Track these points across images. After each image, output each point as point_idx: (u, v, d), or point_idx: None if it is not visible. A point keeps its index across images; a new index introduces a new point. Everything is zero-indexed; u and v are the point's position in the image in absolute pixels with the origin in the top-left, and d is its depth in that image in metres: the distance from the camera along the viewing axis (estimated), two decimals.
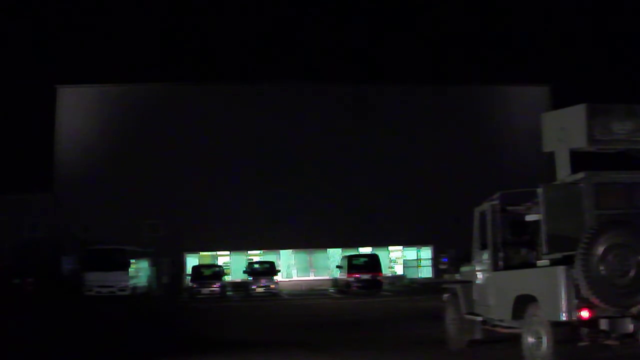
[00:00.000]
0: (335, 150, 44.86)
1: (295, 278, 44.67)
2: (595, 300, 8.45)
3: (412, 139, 45.29)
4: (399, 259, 46.83)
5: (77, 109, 44.68)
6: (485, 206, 11.20)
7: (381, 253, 41.50)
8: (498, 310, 10.49)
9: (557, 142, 10.27)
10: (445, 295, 12.76)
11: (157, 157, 43.40)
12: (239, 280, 39.46)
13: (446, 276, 13.35)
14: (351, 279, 35.26)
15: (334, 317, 21.24)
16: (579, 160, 10.16)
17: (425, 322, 16.52)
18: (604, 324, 8.66)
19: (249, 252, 44.63)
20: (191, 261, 43.01)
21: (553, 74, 58.88)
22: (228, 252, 45.06)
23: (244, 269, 38.26)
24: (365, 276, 35.09)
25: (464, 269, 12.33)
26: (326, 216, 43.35)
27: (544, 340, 9.08)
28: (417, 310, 22.01)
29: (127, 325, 20.14)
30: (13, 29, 62.34)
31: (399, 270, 45.89)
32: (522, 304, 9.58)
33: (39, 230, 41.47)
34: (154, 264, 37.61)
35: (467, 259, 12.02)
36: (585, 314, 8.56)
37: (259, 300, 32.14)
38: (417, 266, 46.23)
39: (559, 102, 36.88)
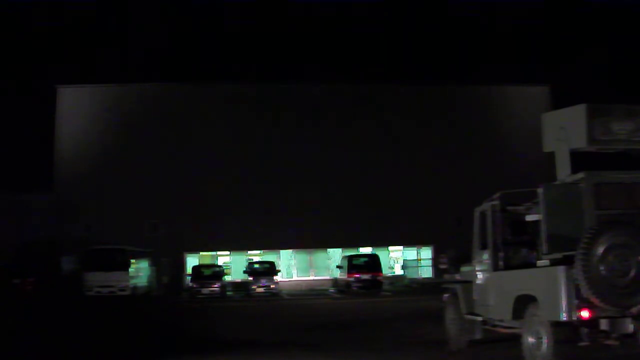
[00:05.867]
0: (335, 150, 44.85)
1: (295, 278, 44.67)
2: (595, 300, 8.45)
3: (412, 139, 45.31)
4: (399, 259, 46.90)
5: (77, 109, 44.67)
6: (486, 206, 11.20)
7: (381, 253, 41.55)
8: (498, 310, 10.49)
9: (557, 142, 10.28)
10: (445, 295, 12.76)
11: (157, 157, 43.40)
12: (239, 280, 39.47)
13: (446, 276, 13.35)
14: (351, 279, 35.27)
15: (334, 317, 21.23)
16: (579, 160, 10.16)
17: (425, 322, 16.52)
18: (604, 324, 8.65)
19: (249, 252, 44.63)
20: (191, 261, 43.02)
21: (553, 74, 58.81)
22: (228, 252, 45.07)
23: (244, 269, 38.27)
24: (365, 276, 35.11)
25: (464, 269, 12.33)
26: (326, 216, 43.34)
27: (544, 340, 9.08)
28: (417, 310, 22.01)
29: (127, 325, 20.14)
30: (13, 29, 62.31)
31: (399, 270, 45.95)
32: (522, 304, 9.58)
33: (39, 230, 41.45)
34: (154, 264, 37.61)
35: (467, 259, 12.02)
36: (585, 314, 8.56)
37: (259, 300, 32.14)
38: (417, 267, 46.24)
39: (559, 102, 36.87)
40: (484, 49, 59.85)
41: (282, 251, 45.24)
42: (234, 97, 45.15)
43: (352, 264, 36.15)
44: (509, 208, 10.72)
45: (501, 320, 10.48)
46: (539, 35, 61.78)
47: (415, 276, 44.25)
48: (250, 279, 36.14)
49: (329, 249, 45.54)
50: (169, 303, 32.32)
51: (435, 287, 20.39)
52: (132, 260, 33.13)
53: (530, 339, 9.41)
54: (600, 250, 8.52)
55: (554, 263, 9.10)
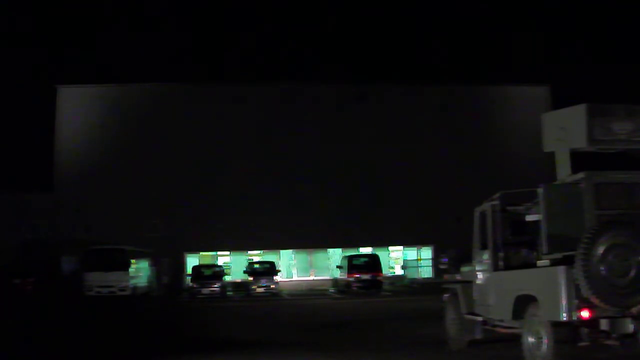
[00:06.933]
0: (335, 150, 44.87)
1: (295, 278, 44.70)
2: (595, 300, 8.44)
3: (412, 139, 45.32)
4: (399, 259, 46.93)
5: (77, 109, 44.70)
6: (486, 206, 11.19)
7: (381, 253, 41.55)
8: (498, 310, 10.49)
9: (557, 142, 10.27)
10: (445, 295, 12.76)
11: (157, 157, 43.42)
12: (239, 280, 39.49)
13: (446, 276, 13.34)
14: (351, 279, 35.28)
15: (334, 317, 21.23)
16: (579, 160, 10.15)
17: (425, 322, 16.52)
18: (604, 324, 8.64)
19: (249, 252, 44.66)
20: (191, 261, 43.03)
21: (553, 74, 58.83)
22: (228, 252, 45.10)
23: (244, 269, 38.28)
24: (366, 276, 35.11)
25: (464, 269, 12.33)
26: (326, 216, 43.37)
27: (544, 340, 9.08)
28: (417, 310, 22.01)
29: (127, 325, 20.14)
30: (13, 29, 62.32)
31: (399, 270, 45.97)
32: (522, 304, 9.57)
33: (39, 230, 41.46)
34: (154, 264, 37.61)
35: (468, 259, 12.01)
36: (585, 314, 8.55)
37: (259, 300, 32.14)
38: (417, 267, 46.24)
39: (559, 102, 36.86)
40: (484, 49, 59.85)
41: (282, 251, 45.26)
42: (233, 97, 45.14)
43: (352, 264, 36.16)
44: (509, 208, 10.69)
45: (501, 320, 10.47)
46: (539, 35, 61.79)
47: (415, 276, 44.25)
48: (250, 279, 36.13)
49: (329, 249, 45.55)
50: (169, 303, 32.31)
51: (435, 287, 20.37)
52: (132, 260, 33.12)
53: (530, 339, 9.40)
54: (600, 250, 8.50)
55: (554, 263, 9.09)
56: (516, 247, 10.68)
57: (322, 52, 61.52)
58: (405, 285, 40.89)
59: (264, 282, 35.52)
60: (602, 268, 8.48)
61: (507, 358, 10.83)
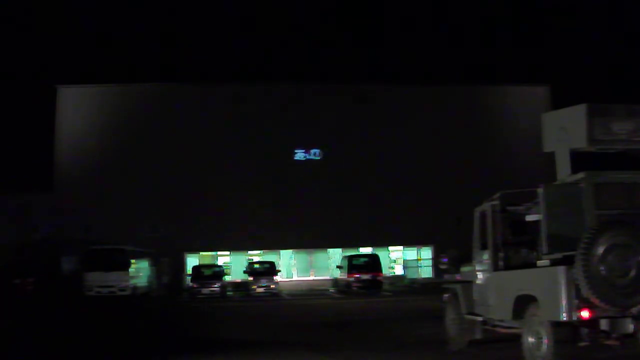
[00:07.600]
0: (335, 150, 44.86)
1: (295, 278, 44.68)
2: (595, 300, 8.44)
3: (412, 139, 45.31)
4: (399, 259, 46.93)
5: (77, 109, 44.68)
6: (486, 206, 11.20)
7: (381, 253, 41.53)
8: (498, 310, 10.49)
9: (557, 142, 10.28)
10: (445, 295, 12.76)
11: (157, 157, 43.40)
12: (239, 280, 39.47)
13: (446, 276, 13.35)
14: (351, 279, 35.28)
15: (334, 317, 21.24)
16: (579, 160, 10.16)
17: (425, 322, 16.53)
18: (604, 324, 8.66)
19: (249, 252, 44.64)
20: (191, 261, 43.01)
21: (553, 74, 58.89)
22: (228, 252, 45.08)
23: (244, 269, 38.28)
24: (366, 276, 35.11)
25: (464, 269, 12.33)
26: (326, 216, 43.34)
27: (544, 340, 9.09)
28: (417, 310, 22.02)
29: (128, 325, 20.14)
30: (13, 29, 62.36)
31: (399, 270, 45.96)
32: (523, 304, 9.58)
33: (39, 230, 41.44)
34: (154, 264, 37.60)
35: (468, 259, 12.01)
36: (585, 314, 8.55)
37: (259, 300, 32.15)
38: (417, 267, 46.23)
39: (559, 102, 36.88)
40: (484, 48, 59.85)
41: (282, 251, 45.24)
42: (234, 97, 45.12)
43: (352, 264, 36.16)
44: (509, 208, 10.70)
45: (501, 320, 10.48)
46: (539, 35, 61.80)
47: (415, 276, 44.24)
48: (250, 279, 36.13)
49: (329, 249, 45.54)
50: (169, 303, 32.31)
51: (435, 287, 20.39)
52: (132, 260, 33.10)
53: (530, 339, 9.41)
54: (600, 250, 8.51)
55: (554, 263, 9.10)
56: (516, 247, 10.68)
57: (322, 52, 61.55)
58: (405, 285, 40.88)
59: (264, 282, 35.52)
60: (602, 268, 8.48)
61: (507, 358, 10.83)
